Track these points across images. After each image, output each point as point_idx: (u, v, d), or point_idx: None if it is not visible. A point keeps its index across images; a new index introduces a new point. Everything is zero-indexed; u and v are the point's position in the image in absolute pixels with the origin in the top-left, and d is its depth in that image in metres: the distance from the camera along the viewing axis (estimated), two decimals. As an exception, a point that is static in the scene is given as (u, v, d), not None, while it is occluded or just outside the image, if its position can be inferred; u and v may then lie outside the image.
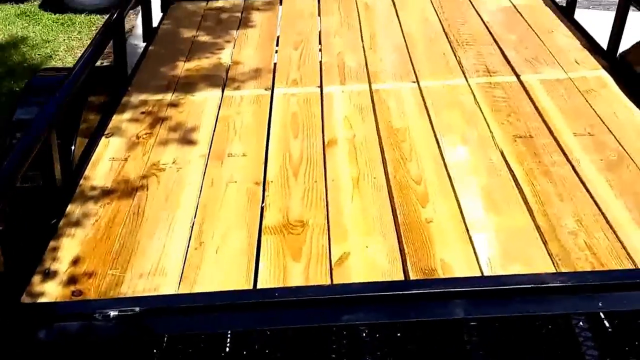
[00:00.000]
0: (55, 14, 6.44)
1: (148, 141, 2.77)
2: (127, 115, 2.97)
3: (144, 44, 3.70)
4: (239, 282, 2.05)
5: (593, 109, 2.78)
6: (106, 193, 2.47)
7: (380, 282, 2.02)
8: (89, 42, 3.56)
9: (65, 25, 6.27)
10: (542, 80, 3.02)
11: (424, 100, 2.93)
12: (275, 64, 3.35)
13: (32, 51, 5.92)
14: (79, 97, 2.68)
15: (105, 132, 2.84)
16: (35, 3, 6.69)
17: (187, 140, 2.77)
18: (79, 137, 2.82)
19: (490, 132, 2.68)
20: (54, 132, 2.32)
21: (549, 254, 2.07)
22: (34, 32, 6.19)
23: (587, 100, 2.85)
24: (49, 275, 2.09)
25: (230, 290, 2.02)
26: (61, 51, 5.87)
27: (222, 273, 2.08)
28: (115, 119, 2.94)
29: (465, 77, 3.10)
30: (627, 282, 1.89)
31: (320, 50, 3.47)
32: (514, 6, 3.81)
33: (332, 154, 2.62)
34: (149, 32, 3.75)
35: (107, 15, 5.49)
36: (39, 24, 6.32)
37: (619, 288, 1.89)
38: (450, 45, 3.41)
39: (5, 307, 1.95)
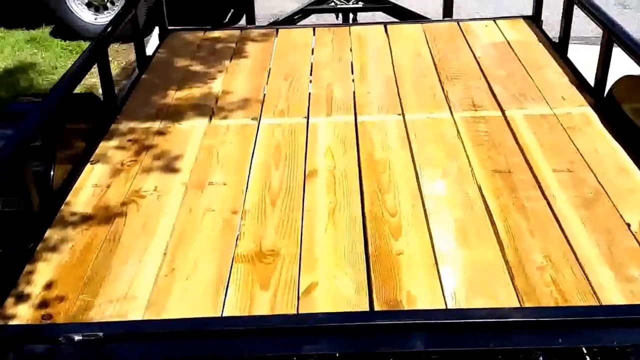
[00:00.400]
0: (65, 41, 6.60)
1: (132, 168, 2.84)
2: (114, 142, 3.06)
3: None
4: (207, 309, 2.09)
5: (575, 146, 2.83)
6: (85, 219, 2.54)
7: (343, 313, 2.06)
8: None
9: (74, 52, 6.42)
10: (527, 116, 3.07)
11: (407, 132, 2.99)
12: (264, 94, 3.43)
13: (40, 77, 6.07)
14: (57, 123, 2.76)
15: (91, 159, 2.92)
16: (46, 29, 6.86)
17: (170, 168, 2.84)
18: (67, 164, 2.89)
19: (470, 166, 2.73)
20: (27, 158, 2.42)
21: (514, 288, 2.10)
22: (42, 58, 6.34)
23: (569, 137, 2.90)
24: (22, 298, 2.16)
25: (194, 318, 2.06)
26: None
27: (190, 300, 2.13)
28: (102, 146, 3.02)
29: (450, 110, 3.16)
30: (587, 319, 1.92)
31: (310, 81, 3.56)
32: (508, 42, 3.87)
33: (312, 184, 2.68)
34: (143, 61, 3.85)
35: (120, 44, 5.67)
36: (48, 50, 6.48)
37: (580, 325, 1.92)
38: (439, 79, 3.48)
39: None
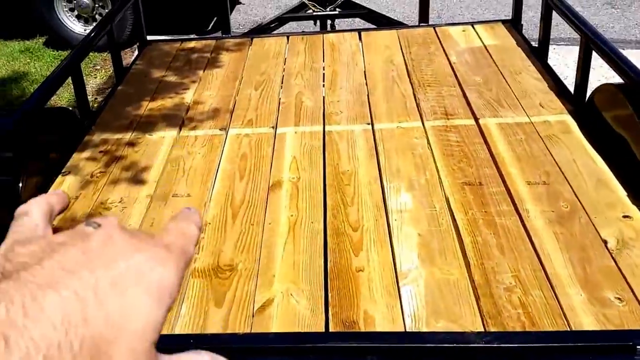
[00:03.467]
0: (57, 51, 6.45)
1: (101, 180, 2.70)
2: (86, 154, 2.91)
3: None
4: None
5: (552, 156, 2.60)
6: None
7: (295, 333, 1.88)
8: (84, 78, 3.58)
9: (65, 62, 6.29)
10: (501, 124, 2.85)
11: (375, 143, 2.79)
12: (234, 104, 3.25)
13: (32, 86, 5.92)
14: (27, 135, 2.62)
15: (62, 170, 2.79)
16: (40, 40, 6.72)
17: (136, 180, 2.69)
18: (38, 176, 2.75)
19: (439, 178, 2.52)
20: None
21: (479, 310, 1.90)
22: (35, 68, 6.20)
23: (546, 146, 2.66)
24: None
25: None
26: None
27: None
28: (75, 157, 2.89)
29: (422, 119, 2.95)
30: (556, 346, 1.72)
31: (280, 90, 3.37)
32: (485, 47, 3.64)
33: (275, 196, 2.50)
34: (120, 72, 3.69)
35: (107, 53, 5.54)
36: (40, 60, 6.33)
37: (548, 351, 1.72)
38: (412, 87, 3.26)
39: None
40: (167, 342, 1.65)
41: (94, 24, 6.29)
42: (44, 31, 6.58)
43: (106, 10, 6.12)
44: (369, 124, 2.95)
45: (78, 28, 6.29)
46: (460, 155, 2.65)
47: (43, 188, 2.64)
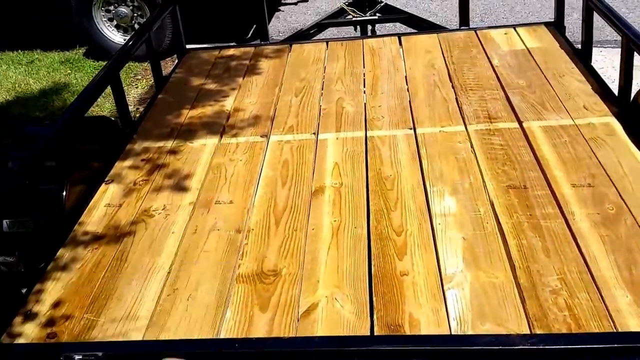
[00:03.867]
0: (97, 62, 6.64)
1: (143, 188, 2.80)
2: (128, 162, 3.02)
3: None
4: (205, 330, 2.04)
5: (597, 158, 2.62)
6: (96, 238, 2.53)
7: (340, 337, 1.94)
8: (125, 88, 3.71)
9: (106, 72, 6.48)
10: (545, 127, 2.87)
11: (418, 147, 2.84)
12: (275, 110, 3.33)
13: (73, 97, 6.09)
14: (69, 145, 2.73)
15: (106, 179, 2.90)
16: (79, 51, 6.93)
17: (179, 187, 2.79)
18: (82, 184, 2.86)
19: (483, 181, 2.56)
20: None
21: (525, 313, 1.94)
22: (75, 78, 6.38)
23: (591, 149, 2.68)
24: (29, 316, 2.18)
25: (191, 339, 2.01)
26: (100, 97, 6.04)
27: (190, 321, 2.08)
28: (117, 166, 2.99)
29: (464, 123, 2.99)
30: (603, 347, 1.74)
31: (321, 96, 3.44)
32: (528, 49, 3.67)
33: (318, 202, 2.56)
34: (160, 81, 3.81)
35: (147, 62, 5.70)
36: (81, 70, 6.52)
37: (595, 353, 1.75)
38: (454, 91, 3.30)
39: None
40: (213, 347, 1.74)
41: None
42: (83, 42, 6.79)
43: (144, 20, 6.29)
44: (411, 128, 3.00)
45: (117, 38, 6.47)
46: (504, 159, 2.68)
47: (87, 196, 2.77)
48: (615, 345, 1.73)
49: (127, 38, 6.38)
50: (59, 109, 5.94)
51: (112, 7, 6.40)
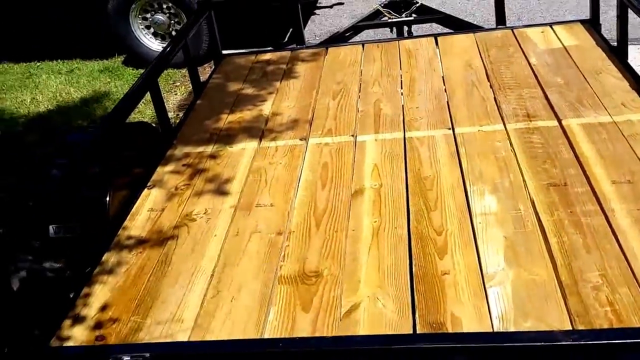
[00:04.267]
0: (136, 69, 6.81)
1: (185, 192, 2.89)
2: (169, 167, 3.12)
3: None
4: (249, 331, 2.10)
5: (636, 155, 2.64)
6: (140, 242, 2.62)
7: (382, 335, 2.00)
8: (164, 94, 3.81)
9: (145, 80, 6.64)
10: (584, 125, 2.89)
11: (457, 147, 2.88)
12: (313, 114, 3.41)
13: (113, 104, 6.24)
14: (111, 151, 2.84)
15: (148, 184, 3.00)
16: (118, 59, 7.11)
17: (220, 191, 2.87)
18: (124, 190, 2.97)
19: (523, 180, 2.60)
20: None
21: (567, 309, 1.97)
22: (116, 86, 6.55)
23: (630, 146, 2.70)
24: (78, 320, 2.26)
25: (236, 339, 2.08)
26: (140, 105, 6.19)
27: (234, 322, 2.14)
28: (159, 171, 3.09)
29: (503, 122, 3.02)
30: (645, 342, 1.77)
31: (358, 98, 3.50)
32: (565, 47, 3.68)
33: (357, 203, 2.63)
34: (198, 87, 3.91)
35: (185, 69, 5.83)
36: (120, 79, 6.70)
37: (634, 347, 1.78)
38: (492, 90, 3.34)
39: (35, 349, 2.16)
40: (257, 347, 1.81)
41: (170, 40, 6.64)
42: (121, 50, 6.96)
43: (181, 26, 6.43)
44: (449, 128, 3.05)
45: (155, 46, 6.62)
46: (544, 157, 2.72)
47: (129, 202, 2.87)
48: (658, 340, 1.76)
49: (165, 45, 6.59)
50: (100, 117, 6.10)
51: (149, 15, 6.56)
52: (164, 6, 6.51)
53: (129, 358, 2.02)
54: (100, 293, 2.36)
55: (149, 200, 2.89)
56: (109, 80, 6.74)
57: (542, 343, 1.83)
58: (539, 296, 2.04)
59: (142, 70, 6.75)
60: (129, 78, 6.69)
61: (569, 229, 2.29)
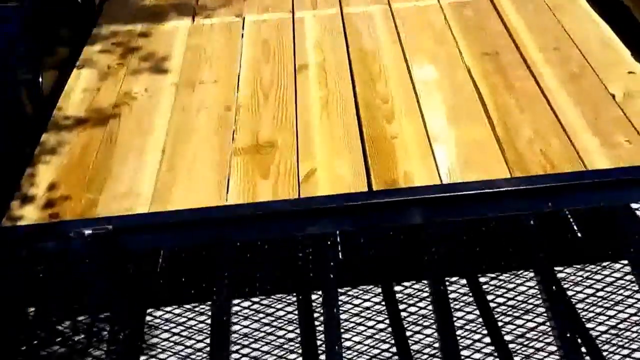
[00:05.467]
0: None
1: (120, 71, 2.94)
2: (97, 46, 3.14)
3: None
4: (212, 200, 2.22)
5: (561, 25, 2.97)
6: (80, 122, 2.65)
7: (343, 194, 2.21)
8: None
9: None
10: None
11: (394, 22, 3.10)
12: None
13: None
14: (40, 28, 2.82)
15: (77, 64, 3.00)
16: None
17: (158, 69, 2.94)
18: (52, 69, 2.96)
19: (459, 50, 2.86)
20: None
21: (505, 161, 2.27)
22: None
23: (555, 16, 3.03)
24: (27, 200, 2.28)
25: (200, 207, 2.19)
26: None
27: (195, 193, 2.26)
28: (86, 50, 3.10)
29: None
30: (575, 183, 2.12)
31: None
32: None
33: (303, 77, 2.80)
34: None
35: None
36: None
37: (568, 189, 2.12)
38: None
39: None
40: (224, 212, 1.97)
41: None
42: None
43: None
44: (386, 3, 3.26)
45: None
46: (476, 29, 3.00)
47: (60, 81, 2.87)
48: (587, 182, 2.11)
49: None
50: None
51: None
52: None
53: (90, 231, 2.07)
54: (45, 173, 2.39)
55: (82, 79, 2.91)
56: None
57: (486, 190, 2.14)
58: (480, 151, 2.33)
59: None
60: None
61: (503, 92, 2.60)
